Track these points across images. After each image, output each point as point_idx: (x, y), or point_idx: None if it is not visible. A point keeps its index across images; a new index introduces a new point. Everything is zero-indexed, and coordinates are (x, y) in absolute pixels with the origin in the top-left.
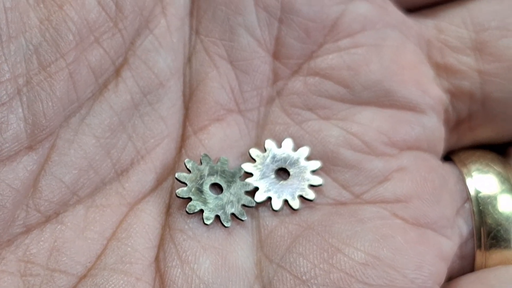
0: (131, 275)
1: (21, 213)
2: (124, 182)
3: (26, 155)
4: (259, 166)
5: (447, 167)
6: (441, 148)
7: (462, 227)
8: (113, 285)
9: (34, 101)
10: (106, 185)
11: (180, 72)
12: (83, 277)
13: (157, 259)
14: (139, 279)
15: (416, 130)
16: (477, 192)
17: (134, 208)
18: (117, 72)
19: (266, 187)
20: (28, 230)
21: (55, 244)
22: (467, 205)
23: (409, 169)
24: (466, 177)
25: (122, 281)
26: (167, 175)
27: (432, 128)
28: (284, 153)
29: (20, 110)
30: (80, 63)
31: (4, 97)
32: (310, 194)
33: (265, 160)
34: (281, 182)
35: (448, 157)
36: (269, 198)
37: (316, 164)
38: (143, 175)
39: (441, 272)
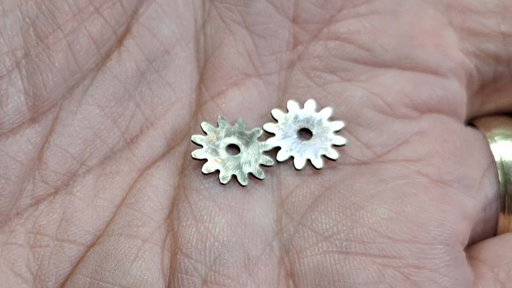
0: (137, 238)
1: (28, 185)
2: (133, 148)
3: (29, 127)
4: (281, 126)
5: (470, 131)
6: (463, 112)
7: (487, 189)
8: (119, 250)
9: (34, 73)
10: (115, 153)
11: (189, 39)
12: (92, 245)
13: (170, 218)
14: (145, 241)
15: (437, 93)
16: (501, 156)
17: (144, 173)
18: (120, 41)
19: (288, 147)
20: (37, 202)
21: (64, 214)
22: (492, 168)
23: (429, 131)
24: (490, 141)
25: (128, 245)
26: (180, 140)
27: (454, 91)
28: (306, 114)
29: (20, 82)
30: (80, 34)
31: (3, 70)
32: (333, 154)
33: (288, 120)
34: (304, 142)
35: (471, 124)
36: (292, 157)
37: (339, 125)
38: (153, 141)
39: (464, 231)
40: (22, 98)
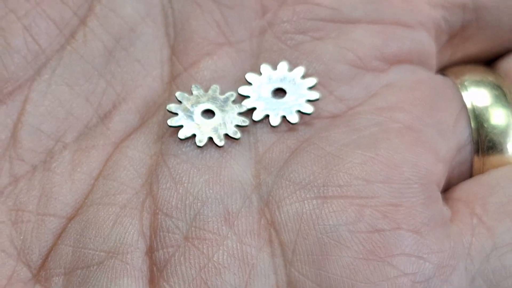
0: (115, 205)
1: (4, 164)
2: (107, 123)
3: None
4: (256, 88)
5: (440, 79)
6: (433, 62)
7: (461, 132)
8: (98, 218)
9: None
10: (90, 129)
11: (156, 15)
12: (72, 217)
13: (149, 183)
14: (123, 207)
15: (406, 45)
16: (472, 102)
17: (120, 146)
18: (83, 22)
19: (263, 106)
20: (16, 180)
21: (44, 190)
22: (464, 113)
23: (400, 82)
24: (460, 87)
25: (106, 212)
26: (155, 111)
27: (423, 42)
28: (280, 75)
29: None
30: (36, 16)
31: None
32: (308, 108)
33: (261, 82)
34: (279, 100)
35: (442, 74)
36: (267, 116)
37: (312, 81)
38: (126, 115)
39: (439, 173)
40: None
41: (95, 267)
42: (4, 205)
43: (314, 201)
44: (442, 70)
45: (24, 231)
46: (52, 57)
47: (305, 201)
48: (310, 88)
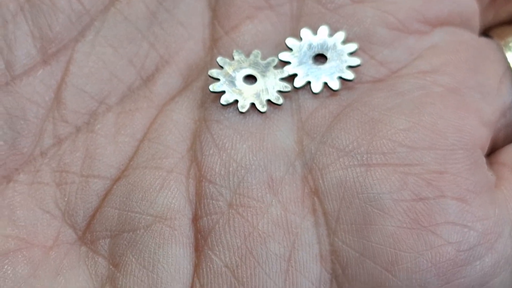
0: (162, 169)
1: (48, 125)
2: (151, 86)
3: (41, 69)
4: (296, 54)
5: (483, 40)
6: (476, 23)
7: (505, 94)
8: (145, 181)
9: (38, 16)
10: (133, 91)
11: None
12: (117, 179)
13: (193, 149)
14: (170, 172)
15: (447, 6)
16: None
17: (164, 109)
18: None
19: (304, 73)
20: (59, 141)
21: (88, 151)
22: (508, 74)
23: (442, 44)
24: (504, 48)
25: (153, 176)
26: (197, 75)
27: (464, 3)
28: (320, 40)
29: (26, 26)
30: None
31: (8, 16)
32: (349, 74)
33: (302, 48)
34: (320, 66)
35: (486, 35)
36: (308, 82)
37: (353, 47)
38: (169, 78)
39: (483, 137)
40: (30, 41)
41: (142, 230)
42: (48, 166)
43: (358, 169)
44: (486, 31)
45: (68, 192)
46: (96, 18)
47: (349, 169)
48: (351, 53)
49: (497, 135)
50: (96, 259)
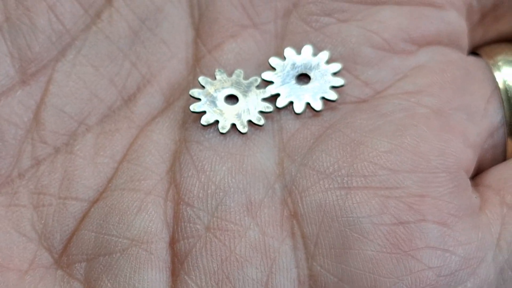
0: (140, 191)
1: (27, 146)
2: (132, 106)
3: (20, 89)
4: (279, 74)
5: (472, 60)
6: (464, 42)
7: (493, 115)
8: (122, 204)
9: (17, 36)
10: (114, 111)
11: None
12: (95, 201)
13: (172, 171)
14: (148, 194)
15: (435, 25)
16: (506, 82)
17: (144, 129)
18: (109, 2)
19: (287, 93)
20: (38, 162)
21: (66, 173)
22: (496, 94)
23: (428, 64)
24: (493, 67)
25: (131, 198)
26: (179, 95)
27: (453, 22)
28: (304, 59)
29: (4, 46)
30: None
31: None
32: (332, 95)
33: (285, 67)
34: (303, 86)
35: (475, 53)
36: (291, 103)
37: (337, 66)
38: (151, 98)
39: (468, 159)
40: (8, 61)
41: (118, 254)
42: (26, 188)
43: (338, 192)
44: (475, 50)
45: (45, 214)
46: (77, 37)
47: (329, 192)
48: (335, 73)
49: (484, 156)
50: (71, 283)
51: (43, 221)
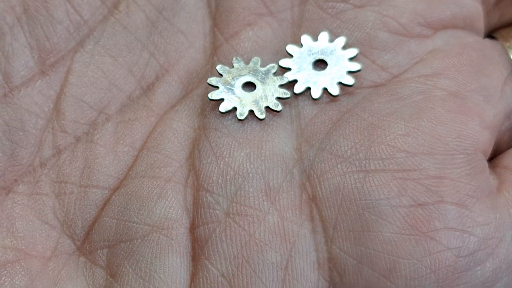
0: (160, 178)
1: (48, 136)
2: (150, 95)
3: (39, 80)
4: (296, 60)
5: (487, 42)
6: (480, 25)
7: (510, 97)
8: (143, 191)
9: (35, 27)
10: (133, 101)
11: None
12: (116, 188)
13: (191, 158)
14: (168, 181)
15: (450, 9)
16: None
17: (163, 117)
18: None
19: (304, 79)
20: (59, 151)
21: (87, 161)
22: None
23: (445, 48)
24: (509, 50)
25: (151, 185)
26: (197, 83)
27: (468, 5)
28: (320, 46)
29: (23, 37)
30: None
31: (5, 27)
32: (349, 80)
33: (302, 54)
34: (320, 72)
35: (491, 36)
36: (308, 88)
37: (353, 52)
38: (169, 87)
39: (485, 141)
40: (27, 52)
41: (139, 240)
42: (47, 177)
43: (356, 175)
44: (491, 33)
45: (67, 203)
46: (95, 28)
47: (347, 175)
48: (351, 59)
49: (501, 138)
50: (94, 269)
51: (65, 209)
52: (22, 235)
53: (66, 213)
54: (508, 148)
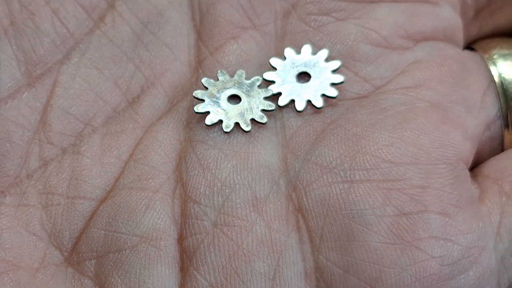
0: (148, 190)
1: (34, 147)
2: (136, 108)
3: (26, 92)
4: (280, 73)
5: (467, 54)
6: (459, 37)
7: (489, 107)
8: (130, 202)
9: (22, 39)
10: (119, 113)
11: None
12: (103, 200)
13: (178, 170)
14: (156, 192)
15: (431, 21)
16: (501, 75)
17: (149, 130)
18: (112, 6)
19: (288, 91)
20: (45, 163)
21: (73, 173)
22: (492, 87)
23: (426, 59)
24: (488, 61)
25: (139, 197)
26: (183, 96)
27: (448, 18)
28: (303, 58)
29: (10, 49)
30: (64, 0)
31: None
32: (332, 92)
33: (286, 67)
34: (303, 84)
35: (470, 48)
36: (292, 101)
37: (336, 64)
38: (155, 99)
39: (467, 151)
40: (14, 64)
41: (127, 251)
42: (34, 188)
43: (341, 185)
44: (470, 44)
45: (54, 214)
46: (81, 41)
47: (332, 185)
48: (334, 71)
49: (481, 148)
50: (82, 280)
51: (52, 220)
52: (9, 246)
53: (53, 224)
54: (489, 158)
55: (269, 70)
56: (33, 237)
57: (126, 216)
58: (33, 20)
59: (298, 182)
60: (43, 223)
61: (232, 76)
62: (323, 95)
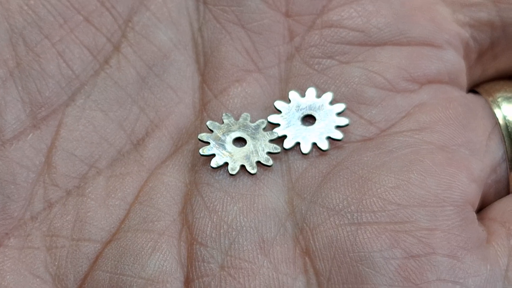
0: (153, 232)
1: (39, 189)
2: (141, 150)
3: (31, 133)
4: (285, 116)
5: (471, 97)
6: (463, 80)
7: (494, 150)
8: (136, 244)
9: (27, 81)
10: (124, 155)
11: (186, 42)
12: (108, 242)
13: (184, 212)
14: (161, 234)
15: (435, 64)
16: (506, 117)
17: (155, 172)
18: (117, 48)
19: (293, 134)
20: (50, 205)
21: (78, 215)
22: (497, 130)
23: (430, 102)
24: (492, 104)
25: (145, 239)
26: (188, 139)
27: (452, 61)
28: (308, 101)
29: (16, 91)
30: (70, 42)
31: None
32: (338, 134)
33: (291, 109)
34: (308, 127)
35: (474, 91)
36: (298, 143)
37: (340, 107)
38: (159, 142)
39: (473, 193)
40: (19, 106)
41: None
42: (38, 230)
43: (348, 228)
44: (474, 87)
45: (58, 256)
46: (86, 83)
47: (339, 228)
48: (339, 113)
49: (487, 191)
50: None
51: (56, 263)
52: None
53: (58, 267)
54: (495, 201)
55: (274, 113)
56: (37, 279)
57: (131, 258)
58: (38, 62)
59: (305, 225)
60: (47, 265)
61: (237, 119)
62: (329, 138)
